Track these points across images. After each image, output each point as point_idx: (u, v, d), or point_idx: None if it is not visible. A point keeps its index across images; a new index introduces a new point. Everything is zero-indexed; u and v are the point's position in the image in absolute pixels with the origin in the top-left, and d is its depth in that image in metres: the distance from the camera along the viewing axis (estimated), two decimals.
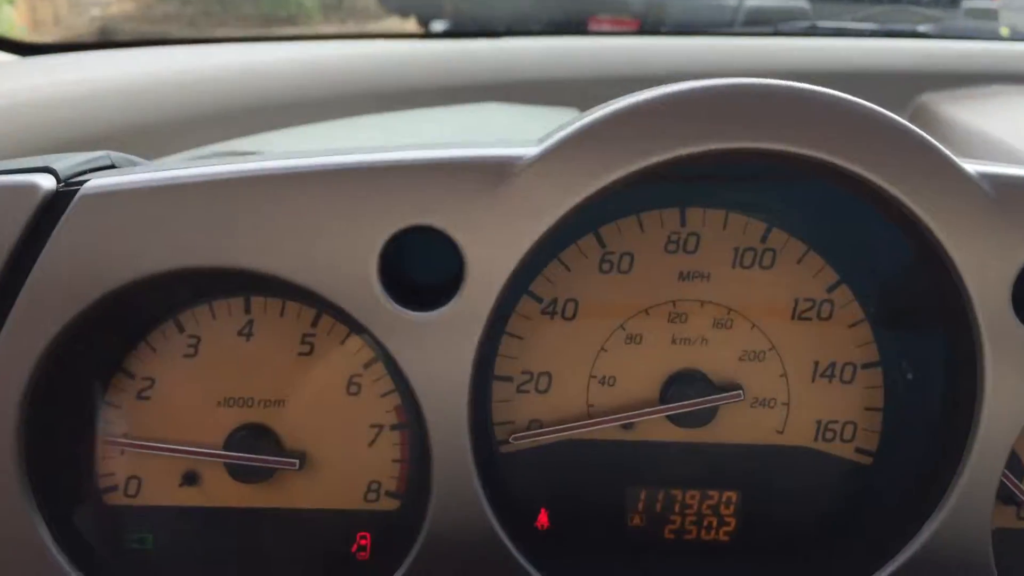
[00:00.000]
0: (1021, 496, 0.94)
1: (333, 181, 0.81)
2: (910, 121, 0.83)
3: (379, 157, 0.82)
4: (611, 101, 0.83)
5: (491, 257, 0.83)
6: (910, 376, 0.96)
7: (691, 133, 0.81)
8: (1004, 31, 3.08)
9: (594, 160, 0.81)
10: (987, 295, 0.83)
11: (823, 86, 0.83)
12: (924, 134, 0.82)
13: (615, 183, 0.82)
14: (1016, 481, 0.94)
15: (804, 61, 2.36)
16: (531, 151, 0.82)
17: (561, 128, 0.83)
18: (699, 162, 0.84)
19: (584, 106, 0.98)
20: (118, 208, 0.81)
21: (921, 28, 2.80)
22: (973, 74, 2.37)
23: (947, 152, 0.82)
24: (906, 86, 2.29)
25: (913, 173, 0.82)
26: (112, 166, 0.90)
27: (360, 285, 0.83)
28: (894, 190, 0.81)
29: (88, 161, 0.87)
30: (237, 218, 0.81)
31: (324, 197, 0.82)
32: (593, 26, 3.81)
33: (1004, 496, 0.94)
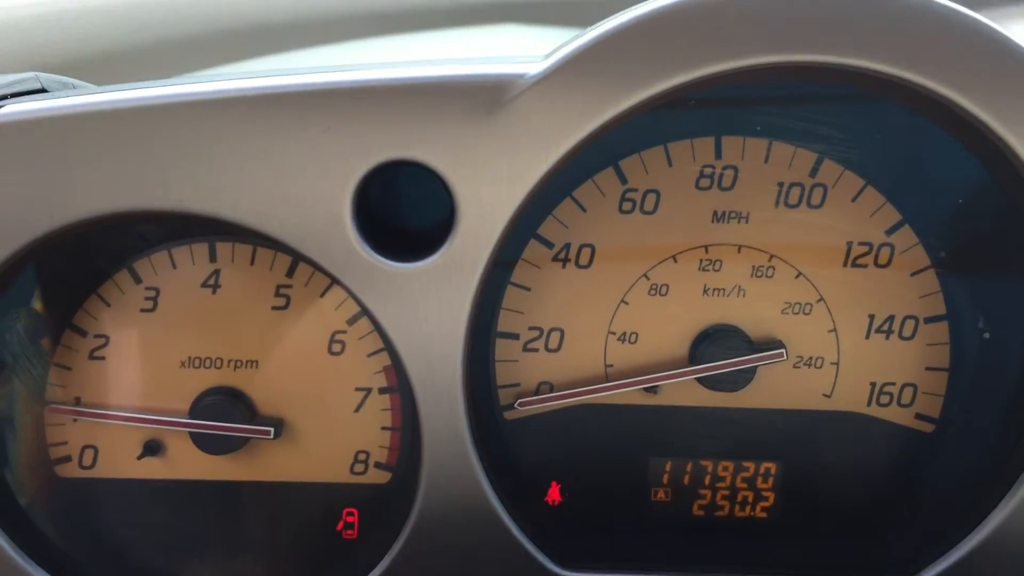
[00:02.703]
0: None
1: (297, 107, 0.68)
2: None
3: (352, 78, 0.68)
4: (631, 8, 0.69)
5: (488, 197, 0.70)
6: (987, 335, 0.82)
7: (728, 45, 0.66)
8: None
9: (610, 79, 0.68)
10: None
11: None
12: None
13: (636, 107, 0.69)
14: None
15: None
16: (534, 69, 0.68)
17: (570, 42, 0.69)
18: (738, 81, 0.71)
19: None
20: (41, 139, 0.68)
21: None
22: None
23: None
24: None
25: (1004, 92, 0.68)
26: (42, 90, 0.76)
27: (332, 231, 0.70)
28: (984, 114, 0.67)
29: (10, 84, 0.74)
30: (182, 151, 0.69)
31: (286, 126, 0.69)
32: None
33: None
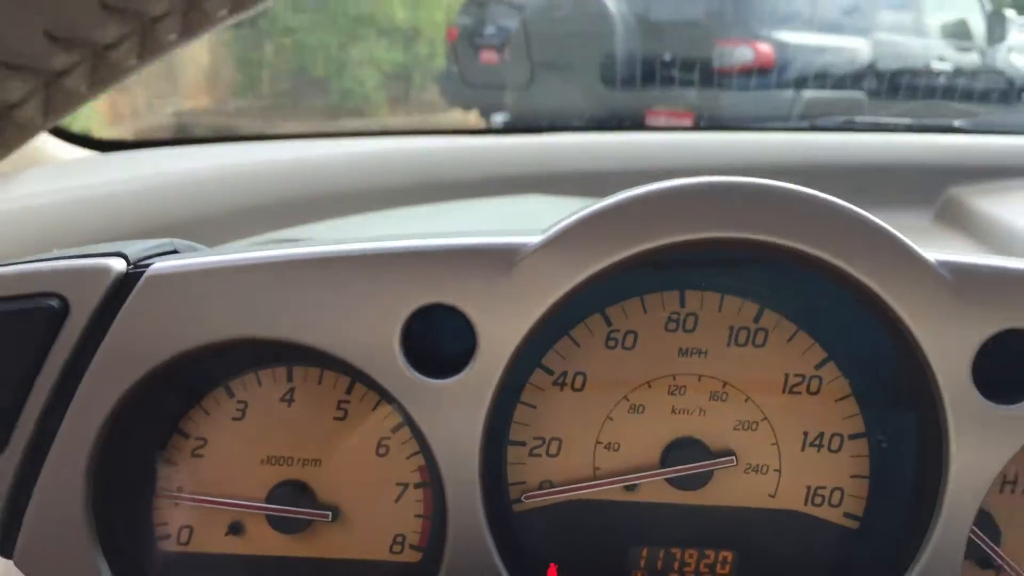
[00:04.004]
0: (996, 559, 1.00)
1: (362, 264, 0.93)
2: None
3: (402, 244, 0.94)
4: (610, 196, 0.95)
5: (501, 331, 0.93)
6: (884, 445, 1.03)
7: (672, 224, 0.91)
8: None
9: (591, 247, 0.92)
10: (949, 372, 0.91)
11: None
12: (890, 228, 0.91)
13: (612, 267, 0.92)
14: (993, 545, 1.00)
15: (840, 155, 2.42)
16: (535, 240, 0.93)
17: (562, 220, 0.94)
18: (689, 249, 0.94)
19: None
20: (179, 287, 0.94)
21: (957, 123, 2.88)
22: (1004, 167, 2.44)
23: (909, 243, 0.91)
24: (937, 179, 2.34)
25: (880, 263, 0.90)
26: (175, 251, 1.03)
27: (385, 355, 0.94)
28: (864, 278, 0.90)
29: (154, 247, 1.00)
30: (280, 296, 0.93)
31: (354, 278, 0.93)
32: (650, 119, 4.03)
33: (980, 560, 1.01)
